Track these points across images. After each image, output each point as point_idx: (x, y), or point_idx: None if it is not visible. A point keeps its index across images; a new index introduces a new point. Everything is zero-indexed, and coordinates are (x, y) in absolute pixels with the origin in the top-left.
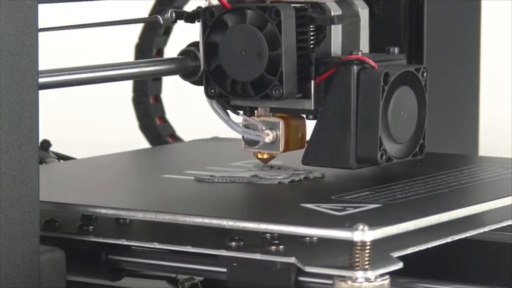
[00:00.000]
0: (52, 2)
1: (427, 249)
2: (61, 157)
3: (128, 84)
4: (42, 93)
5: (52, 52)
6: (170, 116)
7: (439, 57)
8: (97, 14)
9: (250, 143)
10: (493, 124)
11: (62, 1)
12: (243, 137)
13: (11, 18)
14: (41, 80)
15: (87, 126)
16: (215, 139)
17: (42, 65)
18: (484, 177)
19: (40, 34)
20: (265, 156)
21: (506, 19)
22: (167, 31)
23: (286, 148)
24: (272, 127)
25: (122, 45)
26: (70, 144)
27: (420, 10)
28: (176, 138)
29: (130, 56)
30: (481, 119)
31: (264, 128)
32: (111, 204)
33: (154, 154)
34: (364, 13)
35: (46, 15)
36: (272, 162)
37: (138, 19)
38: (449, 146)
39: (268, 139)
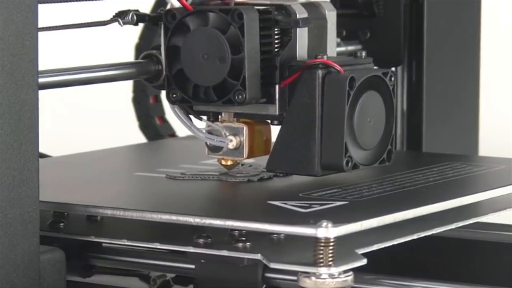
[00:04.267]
0: (52, 2)
1: (427, 249)
2: None
3: (129, 84)
4: (41, 93)
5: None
6: (170, 116)
7: (439, 57)
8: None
9: (214, 149)
10: (493, 124)
11: (62, 1)
12: (206, 143)
13: (11, 18)
14: (41, 80)
15: (86, 126)
16: (190, 137)
17: (42, 65)
18: (452, 175)
19: (40, 34)
20: (229, 163)
21: (506, 19)
22: None
23: (250, 154)
24: (236, 132)
25: (121, 45)
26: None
27: (420, 10)
28: None
29: (130, 56)
30: (481, 119)
31: (227, 133)
32: (82, 202)
33: (128, 153)
34: (331, 15)
35: (46, 15)
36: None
37: (100, 22)
38: (449, 146)
39: (231, 145)
